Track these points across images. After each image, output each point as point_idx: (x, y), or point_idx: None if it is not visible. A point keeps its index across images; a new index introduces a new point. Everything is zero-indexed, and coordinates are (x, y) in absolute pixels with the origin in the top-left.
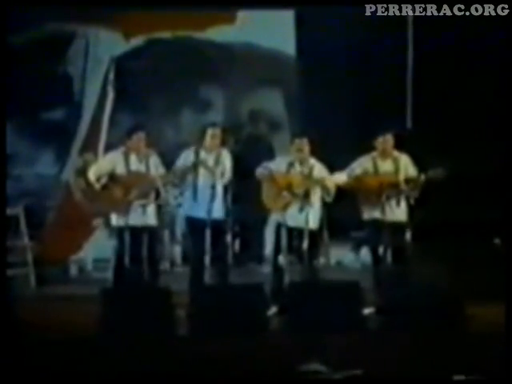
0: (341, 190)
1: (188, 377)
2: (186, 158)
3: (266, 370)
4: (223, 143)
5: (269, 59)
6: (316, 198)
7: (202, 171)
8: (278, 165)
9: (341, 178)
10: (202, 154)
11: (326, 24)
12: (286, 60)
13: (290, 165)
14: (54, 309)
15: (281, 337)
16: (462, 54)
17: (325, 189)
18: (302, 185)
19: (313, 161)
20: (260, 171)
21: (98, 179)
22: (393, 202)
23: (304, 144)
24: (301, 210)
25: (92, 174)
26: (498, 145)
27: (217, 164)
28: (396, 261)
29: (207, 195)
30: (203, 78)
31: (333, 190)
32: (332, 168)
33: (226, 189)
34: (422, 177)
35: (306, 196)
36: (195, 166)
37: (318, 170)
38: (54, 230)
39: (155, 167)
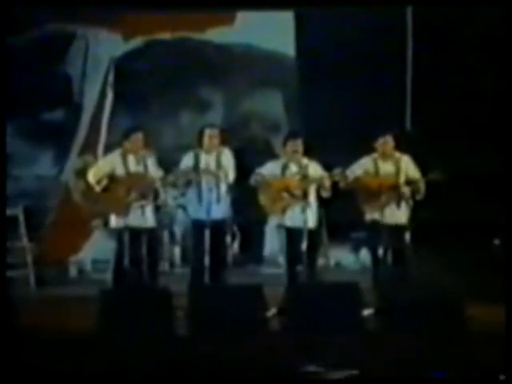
0: (340, 191)
1: (187, 377)
2: (187, 161)
3: (265, 371)
4: (223, 143)
5: (268, 60)
6: (313, 197)
7: (204, 174)
8: (271, 169)
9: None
10: (203, 157)
11: (326, 25)
12: (286, 61)
13: (285, 167)
14: (54, 310)
15: (280, 338)
16: (461, 54)
17: (322, 186)
18: (299, 186)
19: (306, 160)
20: (254, 178)
21: (99, 182)
22: (393, 203)
23: (298, 145)
24: (302, 210)
25: (92, 177)
26: (498, 145)
27: (218, 166)
28: (395, 262)
29: (212, 197)
30: (202, 79)
31: (329, 186)
32: (331, 169)
33: (229, 189)
34: (422, 181)
35: (304, 196)
36: (197, 170)
37: (313, 168)
38: (53, 230)
39: (153, 167)
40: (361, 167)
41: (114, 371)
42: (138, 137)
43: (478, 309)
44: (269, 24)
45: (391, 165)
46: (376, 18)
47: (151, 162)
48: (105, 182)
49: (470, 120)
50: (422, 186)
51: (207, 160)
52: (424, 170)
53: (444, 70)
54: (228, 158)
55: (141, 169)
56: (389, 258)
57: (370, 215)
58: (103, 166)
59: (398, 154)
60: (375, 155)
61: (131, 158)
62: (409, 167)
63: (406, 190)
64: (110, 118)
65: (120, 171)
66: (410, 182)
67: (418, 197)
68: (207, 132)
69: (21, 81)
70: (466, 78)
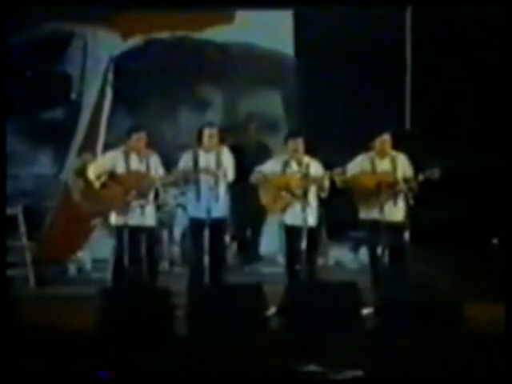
0: (339, 190)
1: (186, 377)
2: (186, 160)
3: (264, 371)
4: (222, 142)
5: (267, 59)
6: (313, 196)
7: (203, 173)
8: (271, 167)
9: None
10: (202, 156)
11: (325, 24)
12: (285, 60)
13: (286, 165)
14: (53, 309)
15: (279, 337)
16: (461, 54)
17: (321, 186)
18: (300, 184)
19: (307, 159)
20: (254, 176)
21: (98, 177)
22: (391, 202)
23: (299, 144)
24: (302, 209)
25: (92, 172)
26: (497, 145)
27: (218, 165)
28: (394, 261)
29: (210, 196)
30: (202, 79)
31: (328, 186)
32: (330, 168)
33: (228, 188)
34: (420, 177)
35: (305, 195)
36: (196, 169)
37: (314, 167)
38: (52, 230)
39: (155, 167)
40: (358, 165)
41: (113, 370)
42: (141, 136)
43: (477, 308)
44: (268, 23)
45: (388, 163)
46: (375, 18)
47: (154, 162)
48: (104, 178)
49: (470, 119)
50: (417, 184)
51: (206, 159)
52: (422, 169)
53: (443, 70)
54: (227, 158)
55: (142, 168)
56: (387, 257)
57: (367, 214)
58: (104, 162)
59: (394, 153)
60: (372, 153)
61: (134, 157)
62: (405, 165)
63: (403, 188)
64: (109, 117)
65: (121, 169)
66: (406, 180)
67: (414, 193)
68: (206, 131)
69: (20, 80)
70: (465, 78)
